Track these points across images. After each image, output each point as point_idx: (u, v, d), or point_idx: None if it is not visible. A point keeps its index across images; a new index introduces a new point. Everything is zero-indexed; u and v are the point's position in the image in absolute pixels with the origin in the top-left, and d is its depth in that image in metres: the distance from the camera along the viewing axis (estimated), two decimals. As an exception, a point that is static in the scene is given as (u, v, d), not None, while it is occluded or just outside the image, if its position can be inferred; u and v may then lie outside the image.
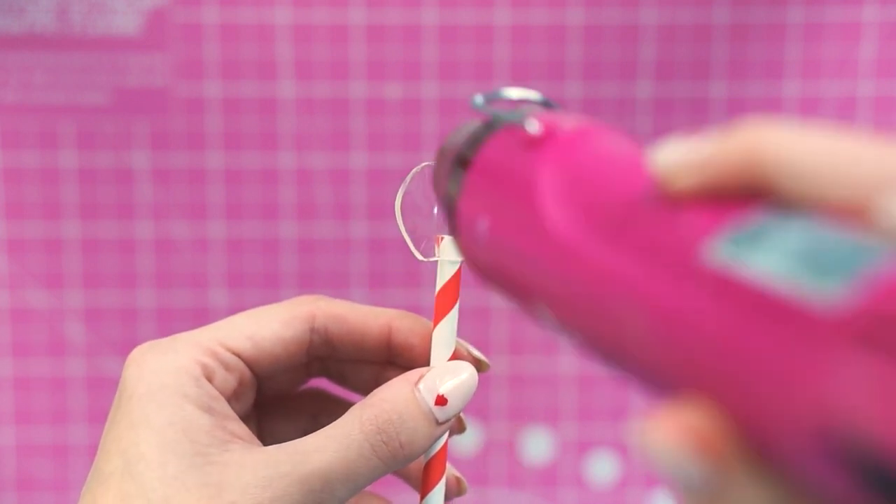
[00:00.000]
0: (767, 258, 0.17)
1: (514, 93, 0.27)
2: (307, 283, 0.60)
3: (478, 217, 0.26)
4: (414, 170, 0.32)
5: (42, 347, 0.60)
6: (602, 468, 0.62)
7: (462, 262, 0.32)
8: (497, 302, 0.60)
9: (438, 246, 0.32)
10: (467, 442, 0.62)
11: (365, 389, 0.35)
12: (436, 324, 0.33)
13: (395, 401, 0.31)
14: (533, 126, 0.25)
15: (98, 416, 0.60)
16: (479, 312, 0.60)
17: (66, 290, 0.59)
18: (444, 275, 0.32)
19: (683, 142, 0.20)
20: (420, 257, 0.33)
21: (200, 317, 0.60)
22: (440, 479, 0.33)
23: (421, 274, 0.60)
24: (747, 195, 0.19)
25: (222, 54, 0.58)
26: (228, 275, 0.60)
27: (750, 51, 0.59)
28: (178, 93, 0.58)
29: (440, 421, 0.31)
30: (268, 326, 0.33)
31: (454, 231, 0.28)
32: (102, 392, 0.60)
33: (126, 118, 0.58)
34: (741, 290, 0.17)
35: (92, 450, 0.61)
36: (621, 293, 0.20)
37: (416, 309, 0.61)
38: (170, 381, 0.30)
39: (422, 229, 0.33)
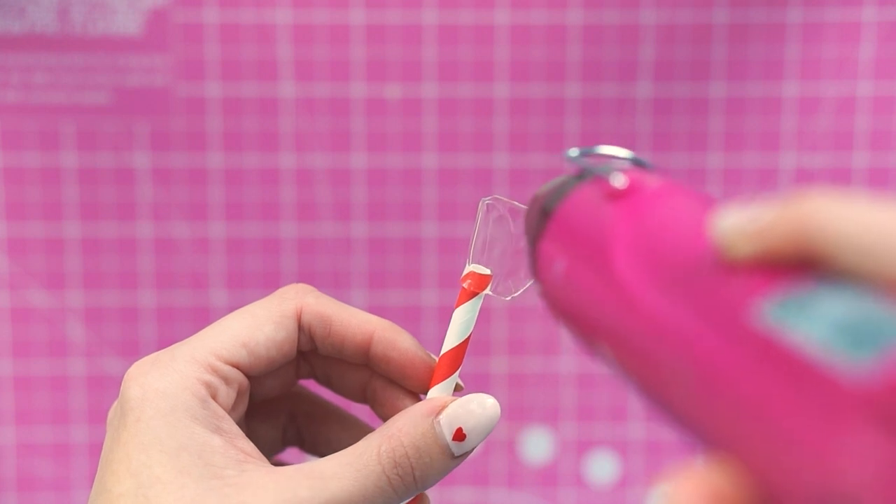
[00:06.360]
0: (810, 325, 0.18)
1: (606, 149, 0.29)
2: (307, 284, 0.60)
3: (555, 259, 0.28)
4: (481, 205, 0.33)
5: (42, 347, 0.60)
6: (602, 468, 0.62)
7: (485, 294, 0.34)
8: (497, 302, 0.60)
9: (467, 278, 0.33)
10: (467, 442, 0.62)
11: (351, 395, 0.36)
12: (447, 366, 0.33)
13: (413, 435, 0.31)
14: (618, 180, 0.27)
15: (98, 416, 0.61)
16: (479, 312, 0.60)
17: (67, 291, 0.60)
18: (468, 300, 0.33)
19: (744, 209, 0.21)
20: (503, 298, 0.34)
21: (200, 317, 0.60)
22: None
23: (421, 275, 0.60)
24: (803, 264, 0.19)
25: (222, 54, 0.58)
26: (228, 275, 0.60)
27: (749, 51, 0.59)
28: (179, 93, 0.58)
29: (456, 455, 0.31)
30: (260, 330, 0.33)
31: (534, 269, 0.30)
32: (103, 392, 0.60)
33: (127, 118, 0.58)
34: (781, 353, 0.18)
35: (93, 449, 0.61)
36: (674, 347, 0.21)
37: (415, 308, 0.62)
38: (178, 404, 0.30)
39: (498, 266, 0.34)
